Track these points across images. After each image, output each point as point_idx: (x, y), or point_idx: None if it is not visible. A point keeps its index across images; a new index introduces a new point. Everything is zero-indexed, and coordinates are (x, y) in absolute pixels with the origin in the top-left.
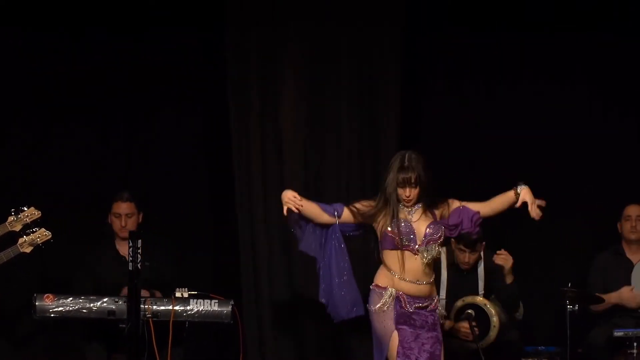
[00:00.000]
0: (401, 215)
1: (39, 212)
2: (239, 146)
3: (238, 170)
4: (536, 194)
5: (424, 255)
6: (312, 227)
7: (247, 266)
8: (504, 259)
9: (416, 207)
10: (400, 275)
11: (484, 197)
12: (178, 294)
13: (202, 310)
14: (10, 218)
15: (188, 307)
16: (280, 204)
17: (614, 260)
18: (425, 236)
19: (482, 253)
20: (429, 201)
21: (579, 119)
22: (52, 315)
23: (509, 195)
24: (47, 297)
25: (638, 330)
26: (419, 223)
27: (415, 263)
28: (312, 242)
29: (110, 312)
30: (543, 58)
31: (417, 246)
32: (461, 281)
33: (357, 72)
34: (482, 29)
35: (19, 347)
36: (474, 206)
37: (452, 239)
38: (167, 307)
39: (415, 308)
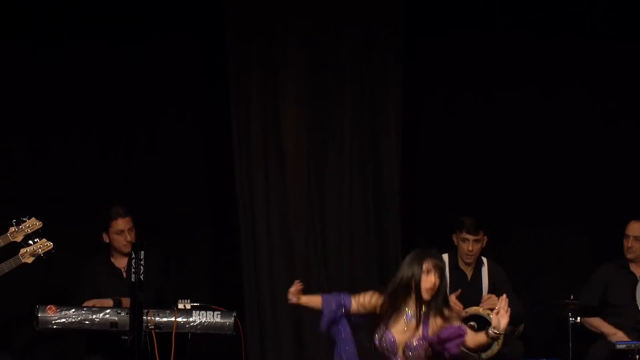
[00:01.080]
0: (395, 325)
1: (40, 222)
2: (240, 155)
3: (239, 180)
4: (536, 202)
5: None
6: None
7: (250, 277)
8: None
9: (414, 312)
10: None
11: (484, 202)
12: (180, 306)
13: (204, 321)
14: (12, 229)
15: (190, 319)
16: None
17: (619, 274)
18: (408, 350)
19: (485, 260)
20: (435, 306)
21: (580, 125)
22: (55, 326)
23: (481, 337)
24: (50, 308)
25: None
26: (405, 334)
27: None
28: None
29: (113, 324)
30: (543, 62)
31: (396, 358)
32: (464, 288)
33: (357, 79)
34: (483, 32)
35: (20, 359)
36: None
37: (456, 230)
38: (169, 319)
39: None
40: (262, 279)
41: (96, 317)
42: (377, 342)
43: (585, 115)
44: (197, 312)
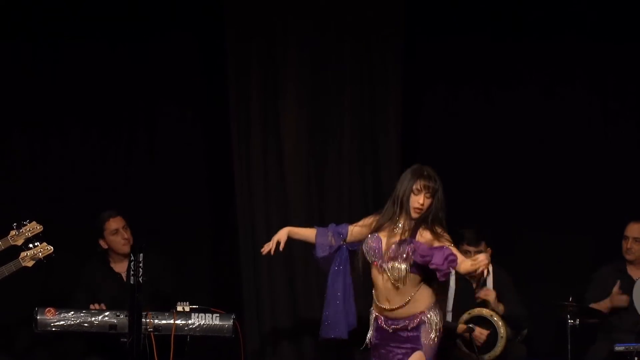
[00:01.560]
0: (385, 232)
1: (41, 226)
2: (240, 156)
3: (239, 180)
4: (535, 204)
5: (388, 274)
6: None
7: (249, 279)
8: (485, 294)
9: (404, 224)
10: (378, 299)
11: (483, 203)
12: (179, 308)
13: (203, 324)
14: (12, 232)
15: (189, 321)
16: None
17: (615, 277)
18: (393, 253)
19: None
20: (425, 223)
21: (580, 126)
22: (54, 329)
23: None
24: (49, 311)
25: (639, 345)
26: (392, 239)
27: (383, 282)
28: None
29: (112, 326)
30: (543, 62)
31: (381, 262)
32: (471, 294)
33: (357, 79)
34: (482, 32)
35: None
36: (457, 254)
37: (457, 244)
38: (168, 321)
39: (394, 329)
40: (261, 280)
41: (95, 320)
42: (363, 247)
43: (585, 116)
44: (196, 314)
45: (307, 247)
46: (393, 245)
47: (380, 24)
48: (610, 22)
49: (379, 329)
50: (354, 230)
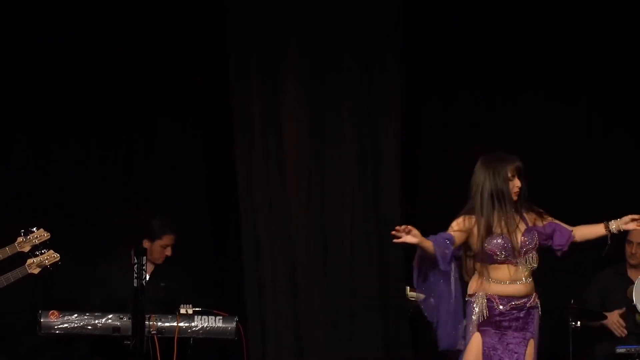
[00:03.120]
0: (500, 228)
1: (48, 233)
2: (241, 157)
3: (241, 181)
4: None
5: (525, 266)
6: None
7: (251, 282)
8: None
9: (515, 213)
10: (498, 280)
11: None
12: (182, 311)
13: (206, 326)
14: (20, 239)
15: (192, 324)
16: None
17: (615, 280)
18: (522, 246)
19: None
20: (523, 204)
21: (579, 131)
22: (57, 332)
23: (599, 229)
24: (52, 313)
25: None
26: (516, 233)
27: (515, 272)
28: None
29: (115, 329)
30: (543, 68)
31: (516, 260)
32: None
33: (357, 81)
34: (483, 35)
35: None
36: (566, 227)
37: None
38: (171, 324)
39: (510, 307)
40: (264, 283)
41: (99, 322)
42: (489, 249)
43: (586, 118)
44: (199, 317)
45: (308, 247)
46: (523, 239)
47: (380, 25)
48: (610, 24)
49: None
50: (457, 235)
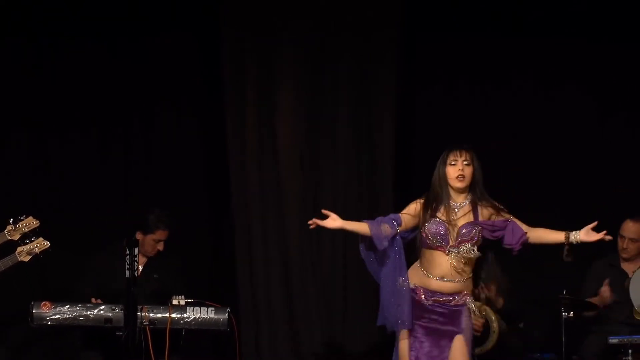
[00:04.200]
0: (441, 214)
1: (37, 221)
2: (235, 152)
3: (235, 176)
4: (532, 199)
5: (457, 256)
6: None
7: (244, 273)
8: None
9: (465, 202)
10: (428, 272)
11: None
12: (175, 302)
13: (199, 317)
14: (9, 227)
15: (185, 315)
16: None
17: (609, 271)
18: (458, 236)
19: None
20: (481, 198)
21: (576, 124)
22: (50, 323)
23: (559, 236)
24: (44, 304)
25: (633, 338)
26: (458, 221)
27: (445, 262)
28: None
29: (107, 320)
30: (540, 62)
31: (448, 246)
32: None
33: (353, 77)
34: (481, 31)
35: (16, 355)
36: (522, 226)
37: None
38: (164, 315)
39: (434, 301)
40: (257, 273)
41: (91, 313)
42: (425, 232)
43: (582, 114)
44: (192, 308)
45: (301, 240)
46: (462, 229)
47: (377, 20)
48: (608, 22)
49: (416, 301)
50: (405, 218)
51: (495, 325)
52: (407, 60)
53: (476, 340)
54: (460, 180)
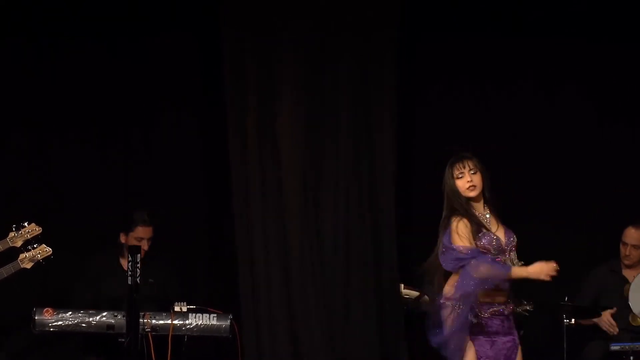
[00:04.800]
0: (482, 226)
1: (40, 228)
2: (236, 155)
3: (235, 177)
4: (531, 203)
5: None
6: None
7: (246, 279)
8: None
9: (486, 210)
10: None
11: None
12: (177, 308)
13: (200, 324)
14: (11, 234)
15: (187, 321)
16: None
17: (609, 277)
18: (506, 245)
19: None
20: (490, 202)
21: (575, 124)
22: (52, 329)
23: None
24: (47, 311)
25: (634, 344)
26: (499, 232)
27: None
28: None
29: (110, 327)
30: (540, 62)
31: (503, 257)
32: None
33: (353, 78)
34: (480, 32)
35: None
36: None
37: None
38: (166, 322)
39: (491, 314)
40: (258, 280)
41: (93, 320)
42: (483, 246)
43: (581, 116)
44: (194, 314)
45: (302, 244)
46: (505, 238)
47: (377, 21)
48: (608, 22)
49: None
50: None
51: None
52: (408, 60)
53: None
54: (472, 190)
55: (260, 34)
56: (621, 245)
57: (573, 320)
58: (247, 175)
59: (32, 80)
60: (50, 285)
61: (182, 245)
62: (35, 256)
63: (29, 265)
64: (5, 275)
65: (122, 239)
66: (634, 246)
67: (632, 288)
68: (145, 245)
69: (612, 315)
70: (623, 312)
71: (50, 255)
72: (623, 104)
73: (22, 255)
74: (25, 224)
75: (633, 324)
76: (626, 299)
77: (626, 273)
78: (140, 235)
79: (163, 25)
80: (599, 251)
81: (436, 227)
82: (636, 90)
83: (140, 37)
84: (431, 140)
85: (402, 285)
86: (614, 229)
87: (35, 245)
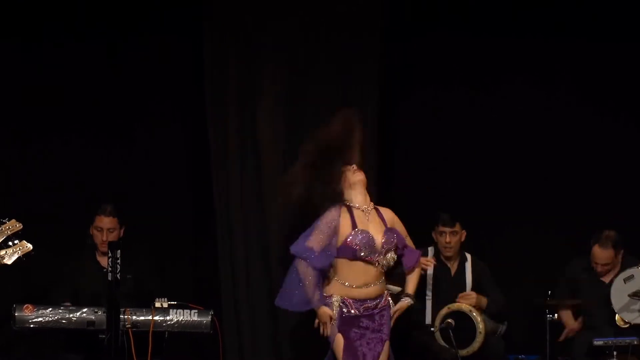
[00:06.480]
0: (357, 222)
1: (20, 224)
2: (217, 155)
3: (216, 180)
4: (514, 202)
5: (382, 265)
6: None
7: (227, 276)
8: (467, 297)
9: (368, 206)
10: (351, 283)
11: (463, 201)
12: (158, 304)
13: (181, 320)
14: None
15: (168, 317)
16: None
17: (586, 275)
18: (382, 246)
19: (469, 257)
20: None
21: (574, 124)
22: (32, 325)
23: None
24: (27, 307)
25: (617, 339)
26: (376, 231)
27: (371, 271)
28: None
29: (90, 323)
30: (536, 62)
31: (376, 257)
32: (448, 282)
33: (337, 80)
34: (465, 31)
35: None
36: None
37: (434, 226)
38: (146, 318)
39: (364, 309)
40: (239, 276)
41: (73, 316)
42: (352, 244)
43: (579, 115)
44: (174, 310)
45: (285, 243)
46: (383, 238)
47: (359, 22)
48: (608, 22)
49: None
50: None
51: (481, 326)
52: (394, 61)
53: (463, 342)
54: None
55: (242, 36)
56: (592, 264)
57: (556, 315)
58: (228, 177)
59: (32, 80)
60: (30, 283)
61: (163, 241)
62: (15, 252)
63: (9, 262)
64: None
65: (92, 232)
66: (604, 265)
67: (612, 293)
68: (105, 236)
69: (592, 313)
70: (602, 308)
71: (31, 251)
72: (623, 104)
73: (2, 252)
74: (6, 220)
75: (620, 324)
76: (608, 299)
77: (601, 276)
78: (99, 224)
79: (144, 30)
80: (583, 248)
81: (420, 226)
82: (636, 90)
83: (122, 41)
84: (415, 142)
85: None
86: (611, 224)
87: (15, 242)
